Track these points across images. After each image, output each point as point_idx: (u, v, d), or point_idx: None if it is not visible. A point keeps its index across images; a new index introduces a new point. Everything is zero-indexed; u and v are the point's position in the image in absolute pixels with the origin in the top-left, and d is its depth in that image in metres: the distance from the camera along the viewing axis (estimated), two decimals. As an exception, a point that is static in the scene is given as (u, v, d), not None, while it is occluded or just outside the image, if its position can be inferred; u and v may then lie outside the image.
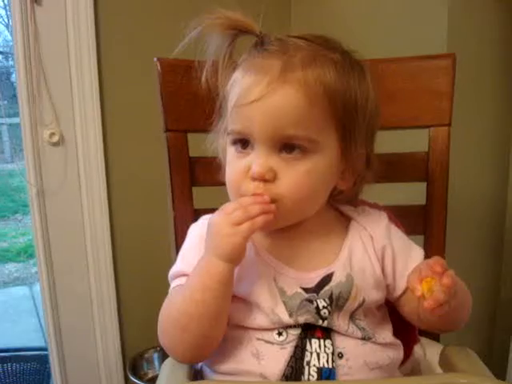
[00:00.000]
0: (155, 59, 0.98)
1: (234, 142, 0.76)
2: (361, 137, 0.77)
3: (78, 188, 1.65)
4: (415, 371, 0.87)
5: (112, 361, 1.78)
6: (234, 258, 0.71)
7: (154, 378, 1.73)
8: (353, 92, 0.74)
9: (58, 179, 1.62)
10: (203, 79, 0.80)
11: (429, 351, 0.87)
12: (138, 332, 1.82)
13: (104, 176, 1.67)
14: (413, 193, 1.03)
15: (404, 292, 0.80)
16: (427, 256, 0.97)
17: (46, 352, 1.83)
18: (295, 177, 0.72)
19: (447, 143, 0.98)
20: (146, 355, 1.82)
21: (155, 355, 1.82)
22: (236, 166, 0.75)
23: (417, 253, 0.82)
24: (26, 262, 3.90)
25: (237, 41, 0.78)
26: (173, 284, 0.80)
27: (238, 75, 0.75)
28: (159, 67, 0.97)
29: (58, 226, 1.65)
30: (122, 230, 1.74)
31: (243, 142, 0.74)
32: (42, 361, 2.01)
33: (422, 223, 1.00)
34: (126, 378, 1.79)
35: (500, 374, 0.75)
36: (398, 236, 0.82)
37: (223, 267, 0.70)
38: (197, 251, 0.76)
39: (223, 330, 0.73)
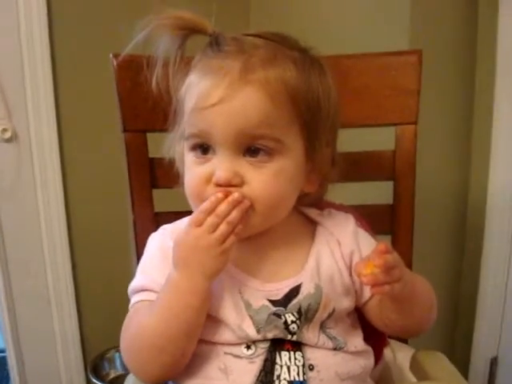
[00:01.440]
0: (111, 55, 0.94)
1: (193, 148, 0.72)
2: (325, 135, 0.75)
3: (32, 186, 1.60)
4: (386, 376, 0.86)
5: (72, 362, 1.75)
6: (218, 274, 0.69)
7: (116, 379, 1.75)
8: (315, 90, 0.72)
9: (11, 177, 1.57)
10: (153, 83, 0.76)
11: (399, 355, 0.87)
12: (99, 332, 1.79)
13: (60, 173, 1.62)
14: (379, 192, 1.02)
15: (370, 298, 0.78)
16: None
17: (3, 354, 1.79)
18: (263, 180, 0.69)
19: (414, 141, 0.97)
20: (108, 355, 1.79)
21: (116, 355, 1.80)
22: (196, 172, 0.71)
23: None
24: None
25: (188, 41, 0.75)
26: (134, 299, 0.76)
27: (193, 78, 0.72)
28: (115, 63, 0.94)
29: (13, 225, 1.60)
30: (79, 228, 1.70)
31: (203, 148, 0.71)
32: (0, 363, 1.95)
33: (389, 222, 0.99)
34: (88, 380, 1.76)
35: (462, 371, 0.76)
36: (365, 240, 0.80)
37: (207, 286, 0.68)
38: (159, 266, 0.74)
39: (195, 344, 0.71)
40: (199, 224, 0.68)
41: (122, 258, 1.56)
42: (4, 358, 1.77)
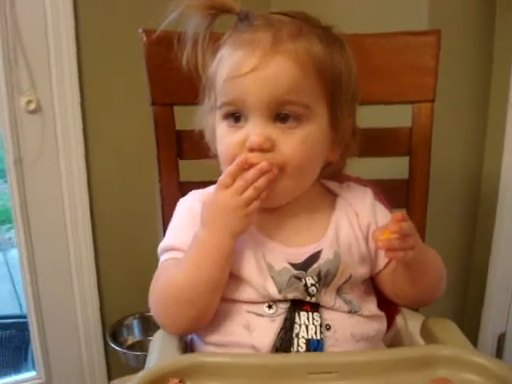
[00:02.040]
0: (140, 30, 0.96)
1: (226, 117, 0.76)
2: (347, 106, 0.79)
3: (55, 156, 1.63)
4: (397, 342, 0.90)
5: (91, 327, 1.79)
6: (242, 234, 0.74)
7: (134, 345, 1.80)
8: (337, 64, 0.76)
9: (35, 147, 1.60)
10: (184, 60, 0.80)
11: (410, 322, 0.90)
12: (118, 299, 1.83)
13: (82, 144, 1.65)
14: (395, 168, 1.05)
15: (384, 267, 0.83)
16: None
17: (24, 319, 1.82)
18: (293, 144, 0.73)
19: (430, 119, 1.00)
20: (126, 322, 1.83)
21: (134, 322, 1.84)
22: (230, 139, 0.75)
23: None
24: (-1, 228, 3.85)
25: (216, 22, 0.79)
26: (162, 257, 0.81)
27: (224, 52, 0.76)
28: (145, 39, 0.96)
29: (36, 193, 1.63)
30: (100, 198, 1.73)
31: (235, 117, 0.75)
32: (21, 328, 2.00)
33: (405, 197, 1.02)
34: (106, 345, 1.81)
35: (471, 340, 0.79)
36: (382, 213, 0.84)
37: (231, 244, 0.73)
38: (189, 228, 0.78)
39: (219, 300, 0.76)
40: (227, 186, 0.73)
41: (143, 227, 1.61)
42: (25, 324, 1.80)
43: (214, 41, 0.79)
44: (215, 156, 0.82)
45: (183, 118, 0.99)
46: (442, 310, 0.87)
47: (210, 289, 0.73)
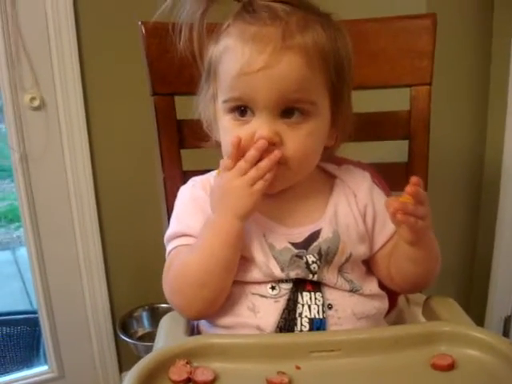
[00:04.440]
0: (139, 22, 0.98)
1: (231, 110, 0.77)
2: (346, 94, 0.81)
3: (60, 152, 1.65)
4: (400, 321, 0.91)
5: (101, 320, 1.81)
6: (250, 215, 0.75)
7: (144, 336, 1.82)
8: (340, 52, 0.77)
9: (40, 144, 1.61)
10: (180, 47, 0.80)
11: (412, 302, 0.91)
12: (127, 291, 1.85)
13: (86, 138, 1.66)
14: (394, 151, 1.06)
15: (381, 247, 0.84)
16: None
17: (35, 315, 1.85)
18: (299, 139, 0.75)
19: (428, 102, 1.01)
20: (135, 314, 1.86)
21: (144, 314, 1.87)
22: (236, 133, 0.75)
23: None
24: (7, 227, 3.88)
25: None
26: (171, 245, 0.82)
27: (231, 43, 0.75)
28: (143, 30, 0.97)
29: (43, 189, 1.65)
30: (106, 190, 1.75)
31: (241, 110, 0.76)
32: (32, 324, 2.03)
33: (404, 180, 1.02)
34: (116, 337, 1.83)
35: (477, 324, 0.80)
36: (379, 196, 0.85)
37: (240, 225, 0.75)
38: (192, 213, 0.80)
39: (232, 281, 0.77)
40: (229, 168, 0.74)
41: (150, 218, 1.62)
42: (36, 319, 1.83)
43: (210, 27, 0.79)
44: (216, 143, 0.83)
45: (183, 107, 1.00)
46: (447, 295, 0.87)
47: (222, 270, 0.75)
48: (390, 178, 0.94)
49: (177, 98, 1.01)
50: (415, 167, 1.02)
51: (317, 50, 0.73)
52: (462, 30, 1.46)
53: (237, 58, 0.73)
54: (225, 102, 0.77)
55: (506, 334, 1.75)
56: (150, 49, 0.98)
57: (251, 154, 0.73)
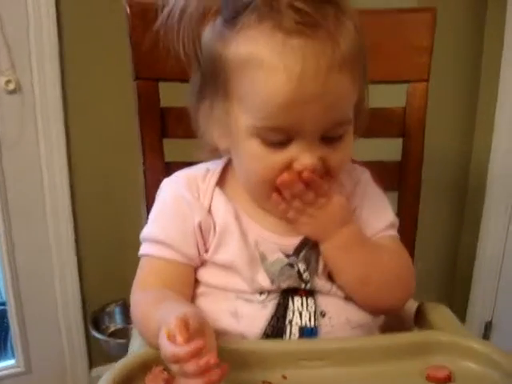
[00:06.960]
0: (124, 2, 0.92)
1: (265, 137, 0.66)
2: (367, 93, 0.75)
3: (35, 137, 1.59)
4: (392, 327, 0.88)
5: (72, 315, 1.76)
6: None
7: (116, 332, 1.77)
8: (364, 54, 0.70)
9: (14, 128, 1.55)
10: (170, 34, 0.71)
11: (403, 308, 0.88)
12: (99, 286, 1.80)
13: (62, 124, 1.60)
14: (386, 149, 1.03)
15: None
16: (401, 212, 0.98)
17: (3, 307, 1.80)
18: (340, 156, 0.69)
19: (425, 99, 0.98)
20: (108, 309, 1.81)
21: (116, 309, 1.82)
22: (269, 160, 0.67)
23: (385, 219, 0.80)
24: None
25: None
26: (145, 247, 0.76)
27: (263, 54, 0.62)
28: (128, 10, 0.92)
29: (15, 176, 1.59)
30: (81, 180, 1.69)
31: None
32: (0, 316, 1.97)
33: (397, 179, 1.00)
34: (87, 332, 1.79)
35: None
36: (372, 200, 0.80)
37: None
38: (172, 218, 0.75)
39: None
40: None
41: (127, 210, 1.58)
42: (4, 311, 1.78)
43: (204, 12, 0.70)
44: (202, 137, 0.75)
45: (168, 94, 0.95)
46: (428, 300, 0.85)
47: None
48: (382, 176, 0.89)
49: (161, 85, 0.96)
50: (409, 166, 1.00)
51: (355, 57, 0.65)
52: (455, 26, 1.45)
53: (281, 79, 0.62)
54: (259, 128, 0.66)
55: (486, 339, 1.76)
56: (134, 30, 0.92)
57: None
